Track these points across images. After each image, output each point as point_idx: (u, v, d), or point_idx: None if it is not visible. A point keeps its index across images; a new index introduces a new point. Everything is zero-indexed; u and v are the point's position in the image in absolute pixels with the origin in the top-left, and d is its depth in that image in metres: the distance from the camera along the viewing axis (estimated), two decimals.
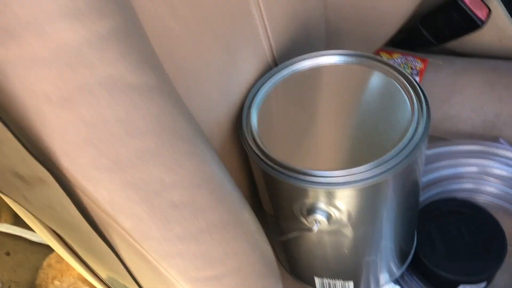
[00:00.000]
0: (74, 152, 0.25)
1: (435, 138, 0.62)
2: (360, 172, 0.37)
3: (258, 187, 0.46)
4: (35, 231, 0.42)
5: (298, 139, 0.41)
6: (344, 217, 0.40)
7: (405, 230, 0.49)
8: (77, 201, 0.27)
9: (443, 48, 0.67)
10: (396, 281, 0.53)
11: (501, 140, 0.59)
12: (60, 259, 0.70)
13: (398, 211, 0.44)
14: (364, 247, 0.46)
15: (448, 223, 0.53)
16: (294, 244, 0.47)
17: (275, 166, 0.39)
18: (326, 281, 0.50)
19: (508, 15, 0.60)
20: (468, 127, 0.62)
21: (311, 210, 0.39)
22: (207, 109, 0.40)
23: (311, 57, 0.46)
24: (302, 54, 0.47)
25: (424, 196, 0.57)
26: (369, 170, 0.37)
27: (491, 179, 0.56)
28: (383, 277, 0.51)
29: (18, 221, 0.79)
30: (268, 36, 0.45)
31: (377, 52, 0.68)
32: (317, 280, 0.50)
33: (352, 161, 0.38)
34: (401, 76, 0.43)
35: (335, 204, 0.39)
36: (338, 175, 0.37)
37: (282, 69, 0.46)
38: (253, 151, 0.40)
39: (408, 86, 0.42)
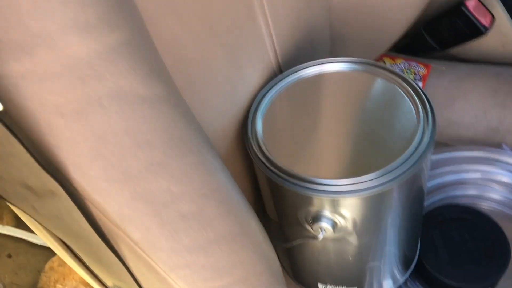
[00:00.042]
0: (84, 164, 0.25)
1: (438, 143, 0.62)
2: (366, 180, 0.37)
3: (263, 194, 0.46)
4: (37, 234, 0.42)
5: (303, 145, 0.41)
6: (349, 225, 0.40)
7: (409, 237, 0.49)
8: (86, 212, 0.27)
9: (446, 53, 0.67)
10: None
11: (504, 146, 0.59)
12: (63, 263, 0.71)
13: (403, 218, 0.44)
14: (368, 254, 0.46)
15: (451, 229, 0.53)
16: (298, 250, 0.47)
17: (281, 174, 0.39)
18: (329, 287, 0.50)
19: None
20: (471, 133, 0.62)
21: (316, 218, 0.39)
22: (213, 116, 0.40)
23: (316, 64, 0.46)
24: (307, 60, 0.47)
25: (427, 202, 0.57)
26: (375, 178, 0.37)
27: (495, 185, 0.56)
28: (387, 283, 0.51)
29: (20, 224, 0.79)
30: (273, 43, 0.46)
31: (380, 57, 0.68)
32: (320, 287, 0.50)
33: (357, 169, 0.38)
34: (406, 84, 0.43)
35: (341, 212, 0.39)
36: (344, 183, 0.37)
37: (287, 76, 0.46)
38: (259, 158, 0.40)
39: (413, 94, 0.42)
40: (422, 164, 0.38)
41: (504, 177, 0.56)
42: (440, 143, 0.62)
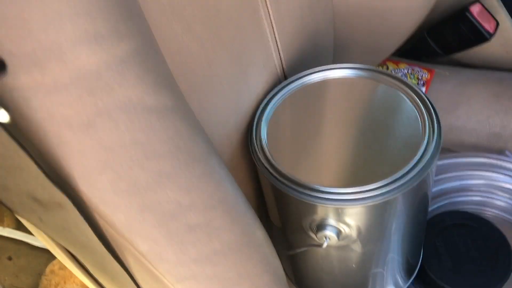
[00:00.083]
0: (92, 176, 0.25)
1: (441, 149, 0.62)
2: (371, 189, 0.37)
3: (266, 200, 0.46)
4: (37, 237, 0.42)
5: (307, 152, 0.41)
6: (353, 233, 0.40)
7: (413, 244, 0.49)
8: (93, 224, 0.27)
9: (450, 58, 0.67)
10: None
11: (507, 153, 0.59)
12: (63, 266, 0.70)
13: (407, 225, 0.44)
14: (371, 261, 0.46)
15: (454, 236, 0.53)
16: (301, 257, 0.47)
17: (285, 181, 0.39)
18: None
19: None
20: (474, 138, 0.62)
21: (321, 226, 0.39)
22: (218, 122, 0.40)
23: (320, 71, 0.46)
24: (311, 65, 0.46)
25: (430, 208, 0.57)
26: (380, 187, 0.37)
27: (498, 192, 0.56)
28: None
29: (20, 226, 0.79)
30: (278, 48, 0.45)
31: (383, 62, 0.68)
32: None
33: (362, 176, 0.38)
34: (412, 91, 0.43)
35: (345, 220, 0.39)
36: (349, 191, 0.37)
37: (292, 82, 0.46)
38: (263, 165, 0.40)
39: (418, 101, 0.42)
40: (427, 173, 0.38)
41: (508, 184, 0.55)
42: (443, 149, 0.62)
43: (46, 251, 0.77)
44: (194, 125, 0.30)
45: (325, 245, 0.40)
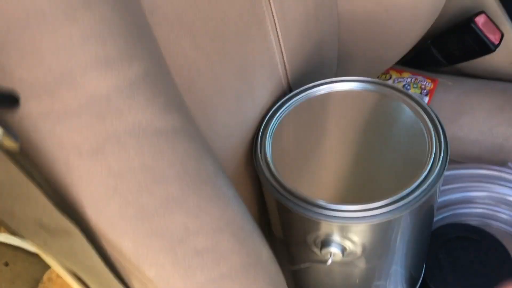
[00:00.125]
0: (101, 203, 0.24)
1: None
2: (377, 207, 0.36)
3: (270, 214, 0.45)
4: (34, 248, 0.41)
5: (312, 166, 0.41)
6: (358, 250, 0.39)
7: (416, 257, 0.49)
8: (100, 250, 0.26)
9: (453, 68, 0.66)
10: None
11: (510, 164, 0.58)
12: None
13: (412, 240, 0.43)
14: (374, 275, 0.46)
15: (457, 248, 0.53)
16: (304, 272, 0.47)
17: (290, 197, 0.38)
18: None
19: None
20: (476, 149, 0.62)
21: (326, 243, 0.39)
22: (223, 136, 0.39)
23: (326, 83, 0.45)
24: (316, 76, 0.46)
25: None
26: (386, 205, 0.36)
27: (501, 204, 0.56)
28: None
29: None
30: (283, 60, 0.45)
31: (387, 71, 0.67)
32: None
33: (367, 192, 0.38)
34: (419, 106, 0.42)
35: (350, 237, 0.38)
36: (355, 209, 0.37)
37: (297, 94, 0.45)
38: (268, 179, 0.40)
39: (425, 117, 0.42)
40: (433, 191, 0.38)
41: (511, 197, 0.55)
42: None
43: None
44: (201, 144, 0.29)
45: (329, 262, 0.39)
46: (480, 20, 0.57)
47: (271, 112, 0.44)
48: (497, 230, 0.55)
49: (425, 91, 0.64)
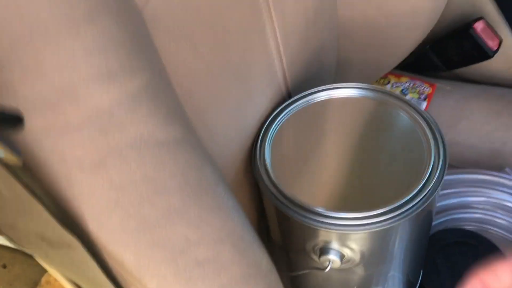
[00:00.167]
0: (102, 215, 0.25)
1: None
2: (376, 215, 0.37)
3: (269, 220, 0.46)
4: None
5: (310, 172, 0.41)
6: (356, 257, 0.40)
7: (414, 262, 0.49)
8: (102, 262, 0.26)
9: (451, 73, 0.66)
10: None
11: (507, 169, 0.59)
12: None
13: (410, 246, 0.43)
14: (372, 281, 0.46)
15: (454, 254, 0.53)
16: (302, 278, 0.47)
17: (289, 205, 0.38)
18: None
19: None
20: (474, 154, 0.62)
21: (324, 250, 0.39)
22: (223, 143, 0.39)
23: (324, 90, 0.45)
24: (315, 82, 0.46)
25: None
26: (385, 213, 0.37)
27: (498, 210, 0.56)
28: None
29: None
30: (283, 66, 0.45)
31: (385, 75, 0.67)
32: None
33: (367, 199, 0.38)
34: (418, 114, 0.43)
35: (349, 245, 0.39)
36: (353, 217, 0.37)
37: (296, 100, 0.45)
38: (267, 187, 0.40)
39: (424, 125, 0.42)
40: (432, 199, 0.38)
41: (508, 202, 0.55)
42: None
43: None
44: (202, 153, 0.29)
45: (328, 269, 0.39)
46: (479, 26, 0.57)
47: (270, 118, 0.44)
48: (494, 236, 0.56)
49: (423, 96, 0.65)
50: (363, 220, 0.37)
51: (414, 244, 0.44)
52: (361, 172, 0.41)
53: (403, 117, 0.43)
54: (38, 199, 0.22)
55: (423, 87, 0.65)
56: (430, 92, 0.65)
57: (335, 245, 0.39)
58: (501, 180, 0.56)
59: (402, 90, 0.66)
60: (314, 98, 0.45)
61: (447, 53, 0.63)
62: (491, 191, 0.56)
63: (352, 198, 0.39)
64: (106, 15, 0.23)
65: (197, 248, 0.27)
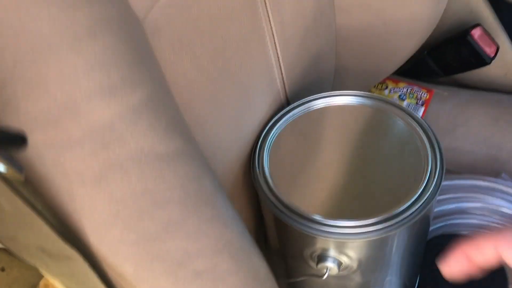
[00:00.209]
0: (102, 229, 0.25)
1: None
2: (373, 223, 0.37)
3: (267, 227, 0.46)
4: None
5: (309, 180, 0.41)
6: (354, 264, 0.40)
7: (411, 268, 0.49)
8: (101, 274, 0.27)
9: (449, 78, 0.67)
10: None
11: (504, 175, 0.59)
12: None
13: (407, 253, 0.44)
14: (369, 287, 0.46)
15: None
16: (300, 285, 0.47)
17: (287, 212, 0.39)
18: None
19: None
20: (471, 160, 0.62)
21: (322, 257, 0.39)
22: (221, 150, 0.39)
23: (323, 97, 0.46)
24: (313, 89, 0.46)
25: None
26: (382, 221, 0.37)
27: (495, 216, 0.56)
28: None
29: None
30: (282, 74, 0.45)
31: (383, 80, 0.68)
32: None
33: (365, 206, 0.38)
34: (415, 122, 0.43)
35: (346, 253, 0.39)
36: (351, 225, 0.37)
37: (295, 108, 0.45)
38: (266, 195, 0.40)
39: (421, 133, 0.42)
40: (429, 206, 0.38)
41: (505, 208, 0.56)
42: None
43: None
44: (201, 164, 0.29)
45: (325, 276, 0.40)
46: (476, 32, 0.58)
47: (268, 126, 0.44)
48: None
49: (421, 101, 0.65)
50: (361, 229, 0.37)
51: (411, 251, 0.44)
52: (359, 179, 0.41)
53: (400, 124, 0.43)
54: (38, 214, 0.23)
55: (420, 93, 0.66)
56: (427, 97, 0.65)
57: (332, 252, 0.39)
58: (498, 186, 0.57)
59: (400, 95, 0.66)
60: (312, 106, 0.46)
61: (444, 59, 0.63)
62: (487, 197, 0.56)
63: (350, 205, 0.39)
64: (108, 29, 0.23)
65: (196, 260, 0.28)
